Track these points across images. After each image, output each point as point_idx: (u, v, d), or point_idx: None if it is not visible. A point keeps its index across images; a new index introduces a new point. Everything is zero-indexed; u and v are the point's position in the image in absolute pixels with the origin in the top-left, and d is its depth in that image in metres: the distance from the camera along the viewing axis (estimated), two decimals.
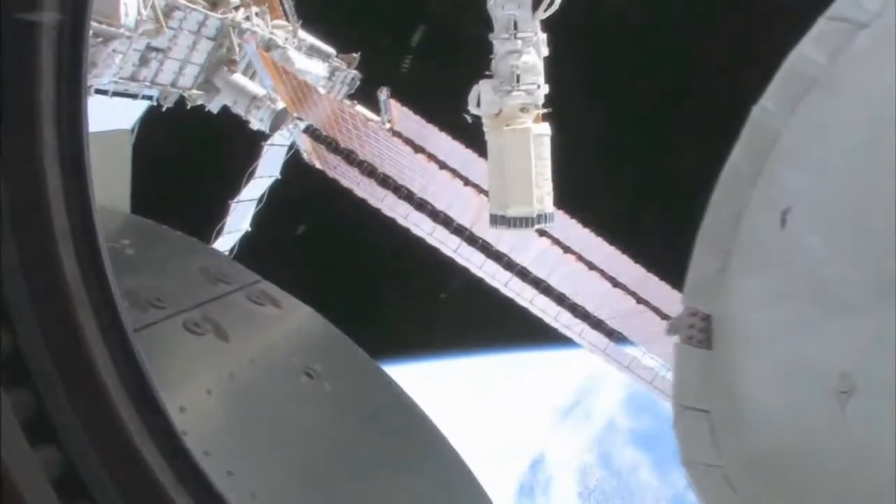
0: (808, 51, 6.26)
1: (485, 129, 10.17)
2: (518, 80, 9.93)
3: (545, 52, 10.22)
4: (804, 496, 3.60)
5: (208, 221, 18.40)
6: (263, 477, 2.46)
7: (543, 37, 10.18)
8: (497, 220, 9.71)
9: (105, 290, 2.13)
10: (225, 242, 19.01)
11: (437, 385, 54.57)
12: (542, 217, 9.61)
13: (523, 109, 9.94)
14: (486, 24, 10.31)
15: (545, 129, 10.00)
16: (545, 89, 10.26)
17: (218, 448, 2.31)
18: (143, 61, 13.15)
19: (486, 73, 10.28)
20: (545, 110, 10.19)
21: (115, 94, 13.13)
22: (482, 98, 10.16)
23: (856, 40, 5.58)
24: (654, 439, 52.51)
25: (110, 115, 13.09)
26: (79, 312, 2.05)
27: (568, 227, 18.49)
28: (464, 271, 19.23)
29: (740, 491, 4.33)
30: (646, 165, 37.86)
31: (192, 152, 22.94)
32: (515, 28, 9.82)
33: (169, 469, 2.04)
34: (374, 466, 2.98)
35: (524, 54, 9.91)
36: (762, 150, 6.21)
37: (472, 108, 10.37)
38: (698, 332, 6.62)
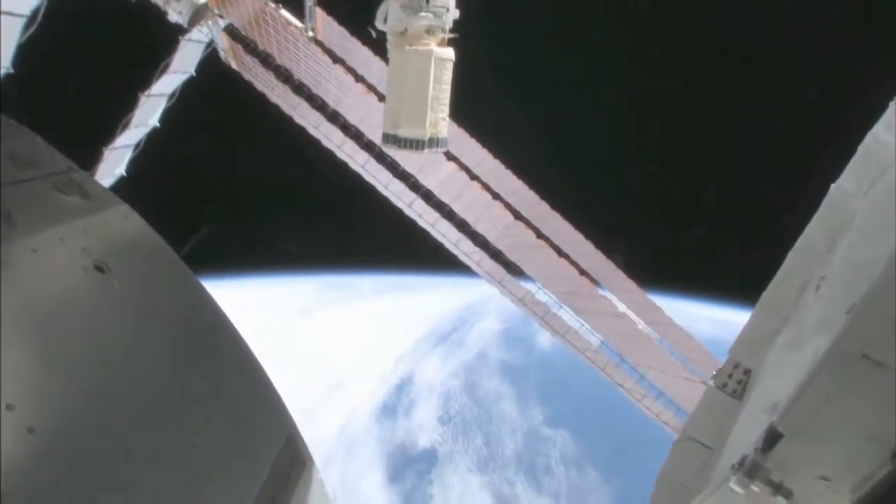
0: (882, 133, 6.40)
1: (388, 46, 9.99)
2: (427, 1, 9.75)
3: None
4: None
5: (116, 113, 17.78)
6: (32, 390, 2.42)
7: None
8: (388, 139, 9.63)
9: None
10: (131, 136, 18.41)
11: (324, 300, 54.96)
12: (433, 141, 9.56)
13: (429, 31, 9.77)
14: None
15: (449, 53, 9.86)
16: (455, 14, 10.11)
17: None
18: None
19: None
20: (452, 35, 10.05)
21: None
22: (389, 15, 9.95)
23: None
24: (521, 374, 54.32)
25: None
26: None
27: (479, 156, 18.51)
28: (370, 189, 19.18)
29: None
30: (557, 104, 38.05)
31: (104, 41, 22.02)
32: None
33: None
34: (160, 374, 2.97)
35: None
36: (837, 228, 6.35)
37: (378, 24, 10.15)
38: (735, 383, 6.86)
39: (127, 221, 3.46)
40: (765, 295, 7.05)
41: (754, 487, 2.86)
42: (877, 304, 2.66)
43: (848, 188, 6.56)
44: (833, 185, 6.90)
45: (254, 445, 3.45)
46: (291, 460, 3.75)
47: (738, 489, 2.87)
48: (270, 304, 52.58)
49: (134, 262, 3.25)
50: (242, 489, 3.22)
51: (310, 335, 52.96)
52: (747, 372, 6.75)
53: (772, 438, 2.85)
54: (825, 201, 6.81)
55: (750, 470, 2.87)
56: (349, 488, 48.30)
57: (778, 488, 2.85)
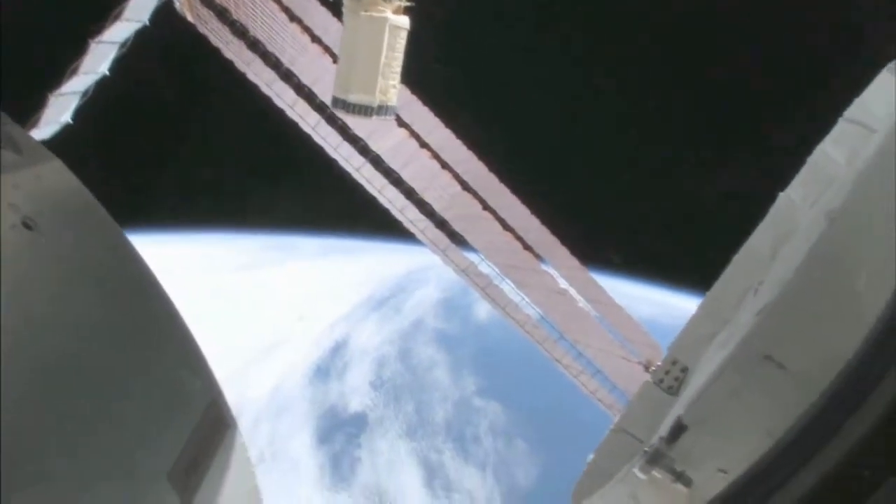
0: (830, 150, 6.51)
1: (343, 10, 9.95)
2: None
3: None
4: None
5: (64, 58, 17.24)
6: None
7: None
8: (338, 104, 9.64)
9: None
10: (78, 83, 17.90)
11: (265, 259, 54.67)
12: (382, 108, 9.59)
13: None
14: None
15: (403, 21, 9.87)
16: None
17: None
18: None
19: None
20: (407, 3, 10.03)
21: None
22: None
23: (868, 144, 5.82)
24: (457, 343, 54.77)
25: None
26: None
27: (430, 124, 18.48)
28: (319, 150, 19.00)
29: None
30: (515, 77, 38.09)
31: None
32: None
33: None
34: (82, 335, 2.96)
35: None
36: (782, 236, 6.46)
37: None
38: (672, 380, 6.98)
39: (59, 177, 3.42)
40: (708, 296, 7.26)
41: (656, 474, 2.99)
42: (783, 309, 2.79)
43: (795, 199, 6.77)
44: (781, 195, 7.11)
45: (175, 408, 3.47)
46: (214, 424, 3.78)
47: (640, 475, 3.00)
48: (212, 262, 52.04)
49: (63, 220, 3.23)
50: (161, 451, 3.24)
51: (248, 295, 52.59)
52: (685, 370, 6.95)
53: (677, 430, 2.98)
54: (772, 209, 7.01)
55: (653, 458, 3.00)
56: (278, 448, 48.38)
57: (679, 476, 2.98)
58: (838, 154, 6.49)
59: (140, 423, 3.23)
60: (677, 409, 5.30)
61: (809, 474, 2.43)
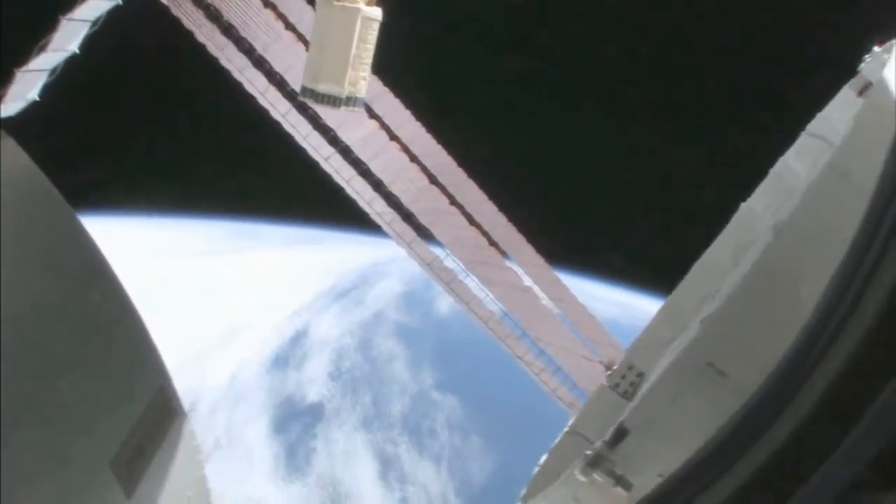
0: (792, 162, 6.57)
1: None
2: None
3: None
4: None
5: (33, 35, 16.90)
6: None
7: None
8: (306, 93, 9.59)
9: None
10: (47, 60, 17.58)
11: (229, 247, 54.33)
12: (351, 100, 9.56)
13: None
14: None
15: (376, 13, 9.83)
16: None
17: None
18: None
19: None
20: None
21: None
22: None
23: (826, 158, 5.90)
24: (417, 337, 54.82)
25: None
26: None
27: (401, 117, 18.43)
28: (288, 138, 18.87)
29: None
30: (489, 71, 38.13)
31: None
32: None
33: None
34: (26, 317, 2.93)
35: None
36: (742, 246, 6.50)
37: None
38: (627, 384, 7.01)
39: (12, 158, 3.39)
40: (667, 302, 7.34)
41: (597, 477, 3.03)
42: (726, 318, 2.84)
43: (757, 209, 6.87)
44: (743, 205, 7.21)
45: (122, 394, 3.44)
46: (162, 411, 3.76)
47: (581, 478, 3.03)
48: (176, 246, 51.51)
49: (12, 201, 3.19)
50: (104, 439, 3.22)
51: (210, 281, 52.14)
52: (640, 374, 7.04)
53: (619, 434, 3.02)
54: (734, 219, 7.11)
55: (593, 461, 3.04)
56: (233, 436, 48.09)
57: (618, 480, 3.03)
58: (800, 166, 6.60)
59: (82, 410, 3.20)
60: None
61: (733, 478, 2.49)
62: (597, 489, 3.02)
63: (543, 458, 7.19)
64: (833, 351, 2.51)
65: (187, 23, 18.27)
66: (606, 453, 3.00)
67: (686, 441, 3.06)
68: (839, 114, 6.89)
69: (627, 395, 7.15)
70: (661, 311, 7.48)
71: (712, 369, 2.79)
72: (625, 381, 7.16)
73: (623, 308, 43.94)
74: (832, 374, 2.46)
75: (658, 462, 3.09)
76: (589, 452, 3.09)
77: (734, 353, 2.80)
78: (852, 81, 8.28)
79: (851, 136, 4.88)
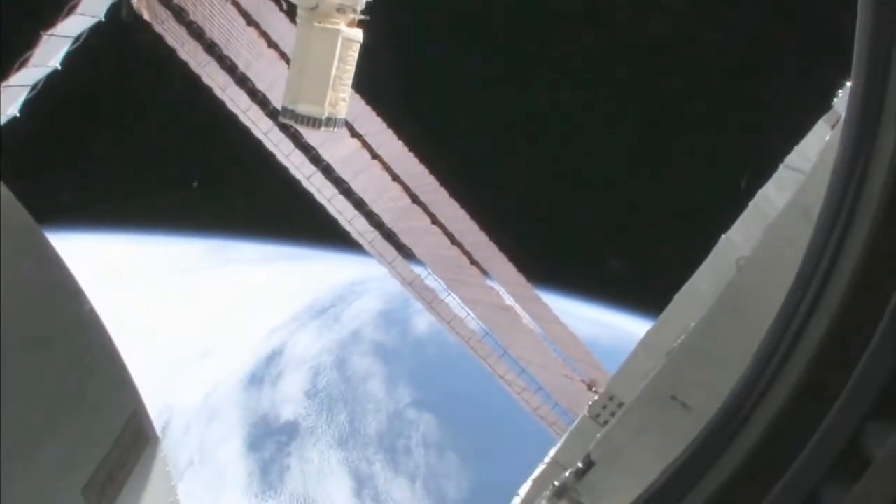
0: (771, 194, 6.66)
1: (298, 20, 9.95)
2: None
3: None
4: None
5: (15, 51, 16.83)
6: None
7: None
8: (287, 114, 9.62)
9: None
10: (28, 76, 17.51)
11: (207, 263, 54.13)
12: (331, 121, 9.60)
13: (340, 10, 9.78)
14: None
15: (357, 35, 9.90)
16: None
17: None
18: None
19: None
20: (363, 17, 10.07)
21: None
22: None
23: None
24: (394, 356, 54.67)
25: None
26: None
27: (383, 136, 18.51)
28: (270, 156, 18.90)
29: None
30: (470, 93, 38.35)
31: None
32: None
33: None
34: None
35: None
36: (721, 278, 6.56)
37: None
38: (608, 414, 7.03)
39: None
40: (647, 333, 7.39)
41: None
42: (689, 351, 2.90)
43: (736, 240, 6.96)
44: (723, 236, 7.30)
45: (94, 420, 3.42)
46: (134, 437, 3.73)
47: None
48: (156, 264, 51.26)
49: None
50: (77, 465, 3.20)
51: (187, 299, 51.87)
52: (621, 405, 7.07)
53: (586, 465, 3.07)
54: (714, 250, 7.20)
55: (560, 490, 3.09)
56: (207, 454, 47.69)
57: None
58: (778, 198, 6.68)
59: (55, 436, 3.19)
60: None
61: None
62: None
63: (524, 487, 7.22)
64: (779, 383, 2.59)
65: (170, 40, 18.31)
66: (573, 484, 3.05)
67: (649, 473, 3.11)
68: (814, 147, 7.03)
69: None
70: (642, 343, 7.55)
71: (676, 402, 2.85)
72: (605, 411, 7.20)
73: (606, 328, 44.09)
74: (774, 410, 2.53)
75: (622, 493, 3.14)
76: (556, 483, 3.13)
77: (696, 385, 2.86)
78: (826, 115, 8.44)
79: (814, 173, 4.98)
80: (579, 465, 3.14)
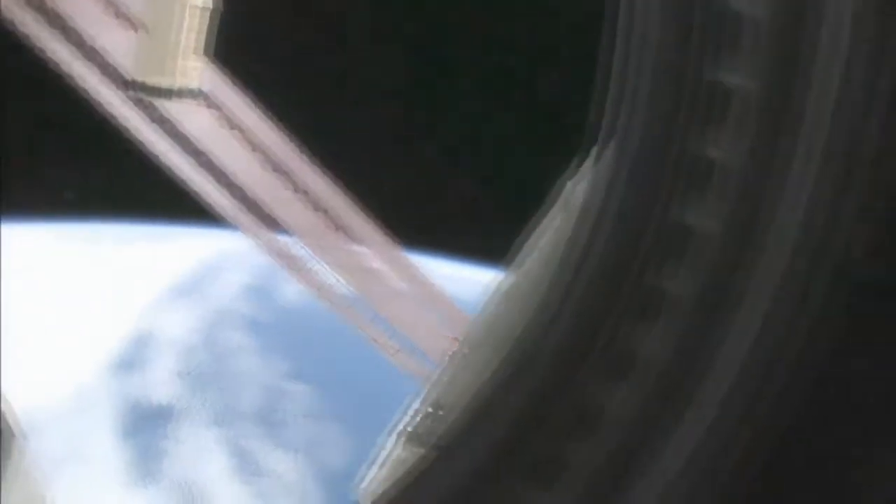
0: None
1: None
2: None
3: None
4: None
5: None
6: None
7: None
8: (136, 86, 9.42)
9: None
10: None
11: (62, 250, 51.83)
12: (183, 91, 9.47)
13: None
14: None
15: (206, 1, 9.78)
16: None
17: None
18: None
19: None
20: None
21: None
22: None
23: None
24: (265, 328, 54.06)
25: None
26: None
27: (241, 105, 18.22)
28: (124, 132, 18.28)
29: None
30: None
31: None
32: None
33: None
34: None
35: None
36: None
37: None
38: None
39: None
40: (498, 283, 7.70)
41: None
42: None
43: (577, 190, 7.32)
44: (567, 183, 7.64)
45: None
46: None
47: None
48: (16, 253, 48.50)
49: None
50: None
51: (45, 288, 49.46)
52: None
53: (435, 409, 3.30)
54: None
55: (412, 436, 3.30)
56: (80, 447, 46.02)
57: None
58: None
59: None
60: None
61: None
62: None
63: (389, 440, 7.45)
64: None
65: (5, 11, 17.33)
66: (423, 427, 3.26)
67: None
68: None
69: None
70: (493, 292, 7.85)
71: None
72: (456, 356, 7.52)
73: (475, 285, 44.75)
74: None
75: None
76: (408, 429, 3.33)
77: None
78: None
79: None
80: (429, 409, 3.36)
